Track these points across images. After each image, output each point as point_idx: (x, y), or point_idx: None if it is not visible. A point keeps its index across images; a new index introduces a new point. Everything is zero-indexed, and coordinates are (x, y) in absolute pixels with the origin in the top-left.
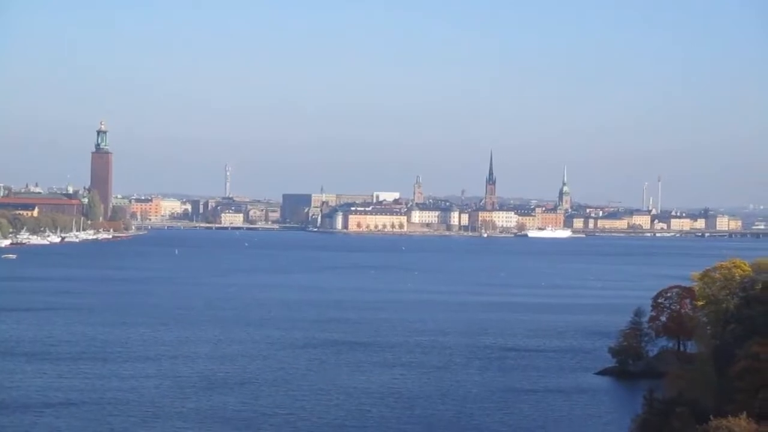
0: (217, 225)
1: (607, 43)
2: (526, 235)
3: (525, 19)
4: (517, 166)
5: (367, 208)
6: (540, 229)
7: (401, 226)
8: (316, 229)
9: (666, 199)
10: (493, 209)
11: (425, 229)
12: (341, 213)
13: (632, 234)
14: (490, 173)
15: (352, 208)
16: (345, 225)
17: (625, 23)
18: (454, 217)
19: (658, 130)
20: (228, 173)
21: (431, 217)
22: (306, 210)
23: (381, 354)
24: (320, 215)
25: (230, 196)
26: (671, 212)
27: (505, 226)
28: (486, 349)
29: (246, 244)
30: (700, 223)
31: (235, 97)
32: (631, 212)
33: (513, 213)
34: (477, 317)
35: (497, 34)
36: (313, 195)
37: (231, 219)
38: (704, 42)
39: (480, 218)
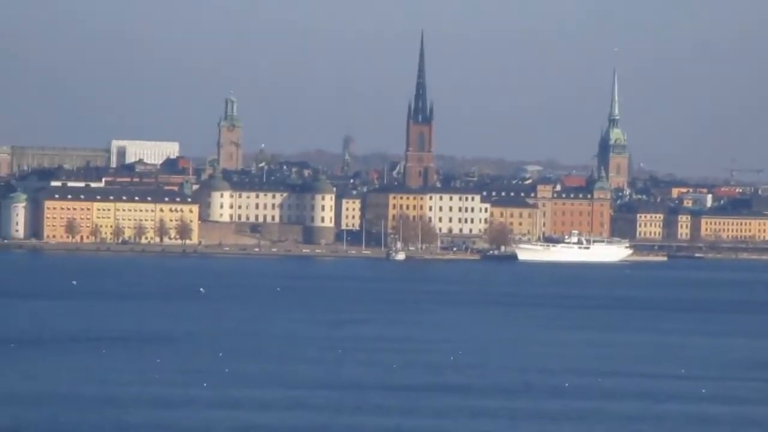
0: None
1: None
2: (514, 256)
3: None
4: (485, 83)
5: (95, 184)
6: (548, 241)
7: (187, 229)
8: None
9: None
10: (426, 188)
11: (249, 240)
12: (24, 195)
13: None
14: (420, 97)
15: (54, 183)
16: (35, 225)
17: None
18: (324, 209)
19: None
20: None
21: (265, 205)
22: None
23: None
24: None
25: None
26: None
27: (455, 232)
28: None
29: None
30: None
31: None
32: None
33: (478, 196)
34: None
35: None
36: None
37: None
38: None
39: (390, 211)
